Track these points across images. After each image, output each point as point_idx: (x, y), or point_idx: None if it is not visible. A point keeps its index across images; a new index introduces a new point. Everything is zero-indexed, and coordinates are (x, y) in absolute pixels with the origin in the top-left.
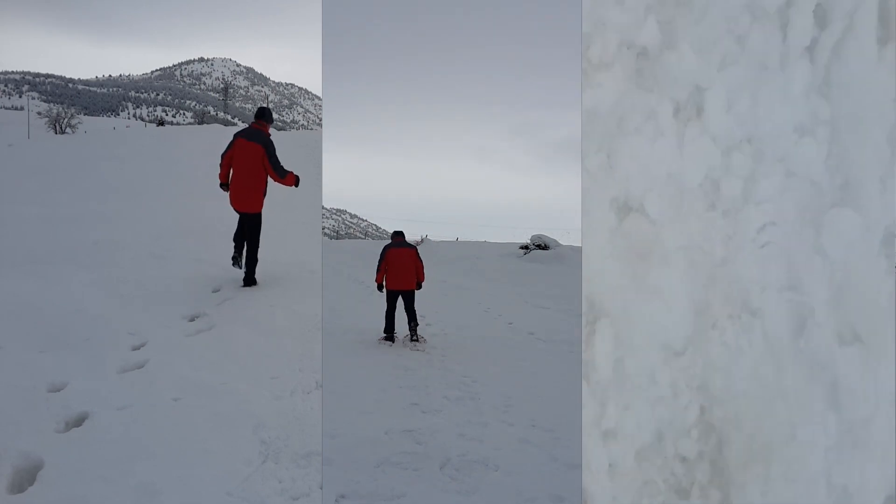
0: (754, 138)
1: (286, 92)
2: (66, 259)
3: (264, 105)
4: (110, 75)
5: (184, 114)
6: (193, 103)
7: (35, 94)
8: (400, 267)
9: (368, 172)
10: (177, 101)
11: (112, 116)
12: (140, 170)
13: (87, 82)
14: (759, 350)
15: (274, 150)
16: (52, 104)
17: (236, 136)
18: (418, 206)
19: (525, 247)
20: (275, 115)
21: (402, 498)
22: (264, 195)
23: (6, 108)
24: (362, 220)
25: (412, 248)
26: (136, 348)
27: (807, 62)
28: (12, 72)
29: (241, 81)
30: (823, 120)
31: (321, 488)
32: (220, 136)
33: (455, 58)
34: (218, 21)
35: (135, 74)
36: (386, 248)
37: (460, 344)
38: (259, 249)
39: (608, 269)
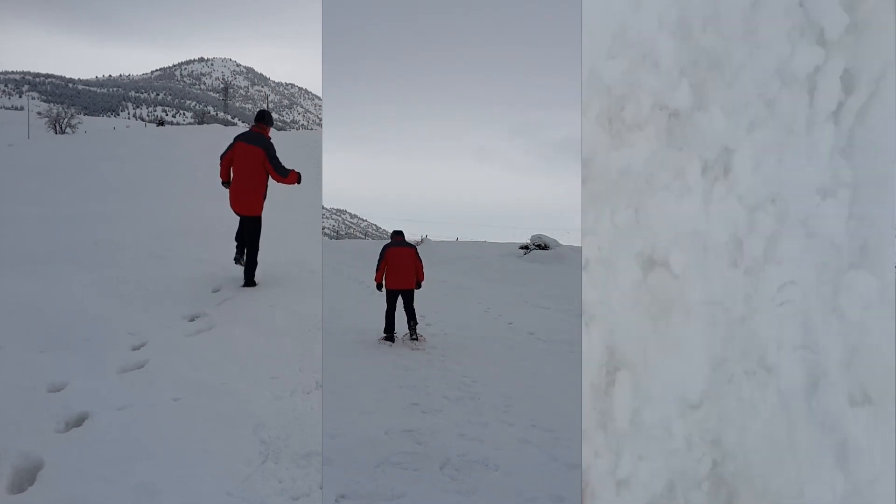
0: (778, 198)
1: (286, 92)
2: (66, 259)
3: (264, 105)
4: (110, 75)
5: (184, 114)
6: (193, 103)
7: (35, 94)
8: (400, 266)
9: (368, 172)
10: (177, 101)
11: (112, 116)
12: (140, 170)
13: (87, 82)
14: (772, 407)
15: (274, 151)
16: (52, 104)
17: (236, 139)
18: (418, 206)
19: (525, 247)
20: (275, 115)
21: (402, 498)
22: (264, 198)
23: (6, 108)
24: (362, 220)
25: (412, 248)
26: (136, 348)
27: (832, 126)
28: (12, 72)
29: (241, 81)
30: (845, 182)
31: (321, 488)
32: (220, 136)
33: (455, 58)
34: (218, 21)
35: (135, 74)
36: (385, 247)
37: (460, 344)
38: (259, 253)
39: (630, 321)
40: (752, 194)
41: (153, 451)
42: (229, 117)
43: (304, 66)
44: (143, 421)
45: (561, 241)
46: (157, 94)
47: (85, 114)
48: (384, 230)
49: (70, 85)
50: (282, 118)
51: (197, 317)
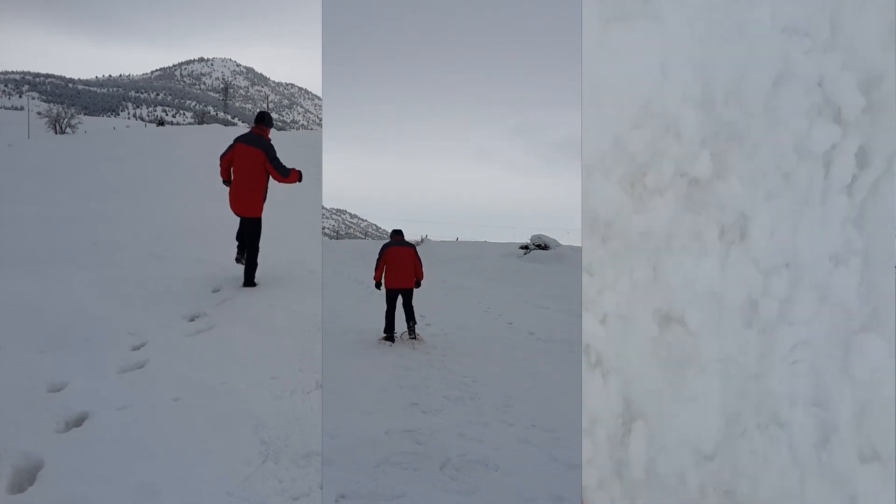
0: (793, 264)
1: (286, 92)
2: (66, 259)
3: (264, 105)
4: (110, 75)
5: (184, 114)
6: (193, 103)
7: (35, 94)
8: (399, 266)
9: (368, 172)
10: (177, 101)
11: (112, 116)
12: (140, 170)
13: (87, 82)
14: (784, 460)
15: (274, 152)
16: (52, 104)
17: (236, 140)
18: (418, 206)
19: (525, 247)
20: (275, 115)
21: (402, 498)
22: (264, 200)
23: (6, 108)
24: (362, 220)
25: (411, 247)
26: (136, 348)
27: (845, 197)
28: (12, 72)
29: (241, 81)
30: (857, 250)
31: (321, 488)
32: (220, 136)
33: (455, 58)
34: (218, 21)
35: (135, 74)
36: (385, 246)
37: (460, 344)
38: (258, 254)
39: (647, 374)
40: (768, 259)
41: (153, 451)
42: (229, 117)
43: (304, 66)
44: (143, 421)
45: (561, 241)
46: (157, 94)
47: (85, 114)
48: (384, 230)
49: (70, 85)
50: (282, 118)
51: (197, 317)
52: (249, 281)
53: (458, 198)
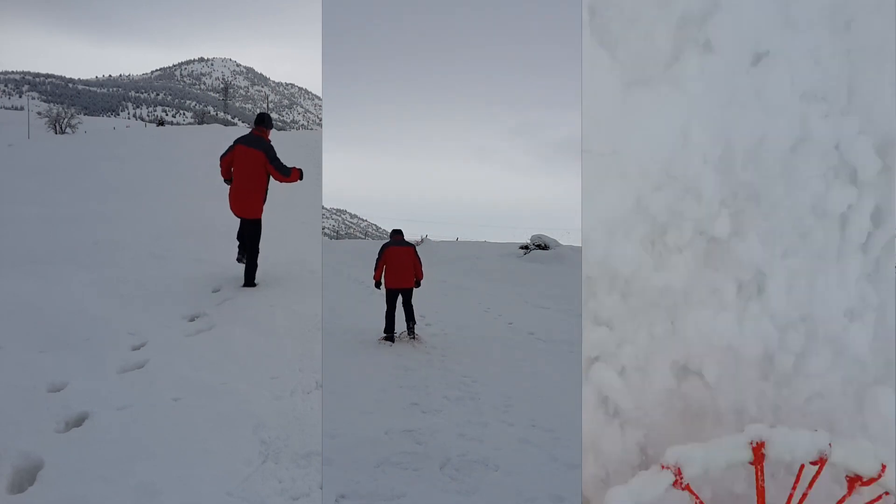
0: (808, 319)
1: (286, 92)
2: (66, 259)
3: (264, 105)
4: (110, 75)
5: (184, 114)
6: (193, 103)
7: (35, 94)
8: (398, 265)
9: (368, 172)
10: (177, 101)
11: (112, 116)
12: (140, 170)
13: (87, 82)
14: None
15: (275, 153)
16: (52, 104)
17: (236, 142)
18: (418, 206)
19: (525, 247)
20: (275, 116)
21: (402, 498)
22: (264, 201)
23: (6, 108)
24: (362, 220)
25: (411, 247)
26: (136, 348)
27: (860, 255)
28: (12, 72)
29: (241, 81)
30: (871, 305)
31: (321, 488)
32: (220, 136)
33: (455, 58)
34: (218, 21)
35: (135, 74)
36: (384, 246)
37: (460, 344)
38: (258, 256)
39: (664, 424)
40: (784, 314)
41: (153, 451)
42: (229, 117)
43: (304, 66)
44: (143, 421)
45: (561, 241)
46: (157, 94)
47: (85, 114)
48: (384, 230)
49: (70, 85)
50: (282, 118)
51: (197, 317)
52: (250, 281)
53: (458, 198)
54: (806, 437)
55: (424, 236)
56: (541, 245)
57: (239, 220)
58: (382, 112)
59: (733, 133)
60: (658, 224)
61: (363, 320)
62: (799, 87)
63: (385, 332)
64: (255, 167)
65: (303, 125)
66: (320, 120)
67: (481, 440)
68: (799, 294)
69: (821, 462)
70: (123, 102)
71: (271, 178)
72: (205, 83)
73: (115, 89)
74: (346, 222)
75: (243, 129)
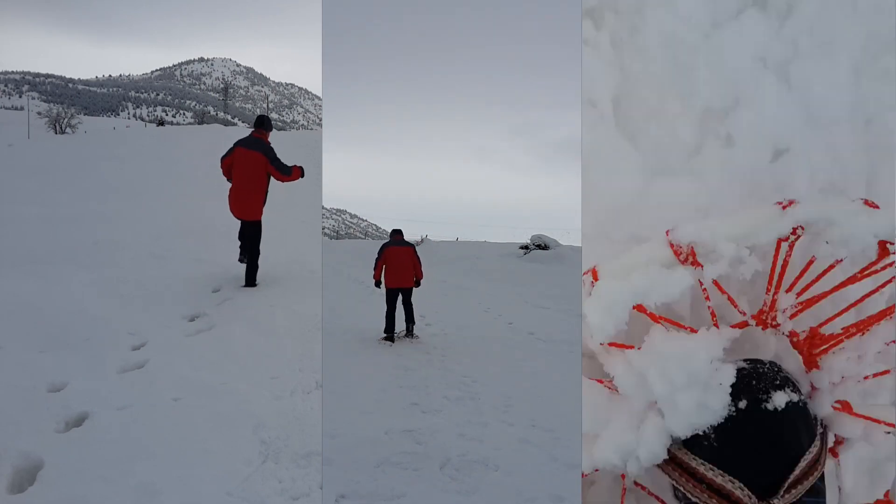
0: None
1: (286, 92)
2: (66, 259)
3: (264, 105)
4: (110, 75)
5: (184, 114)
6: (193, 103)
7: (35, 94)
8: (398, 265)
9: (368, 172)
10: (177, 101)
11: (112, 116)
12: (140, 170)
13: (87, 82)
14: None
15: (275, 154)
16: (52, 104)
17: (236, 144)
18: (418, 206)
19: (525, 247)
20: (275, 116)
21: (402, 498)
22: (264, 203)
23: (6, 108)
24: (362, 220)
25: (410, 247)
26: (136, 348)
27: None
28: (12, 72)
29: (241, 81)
30: None
31: (321, 488)
32: (220, 136)
33: (455, 58)
34: (218, 21)
35: (135, 74)
36: (384, 245)
37: (460, 344)
38: (259, 257)
39: None
40: None
41: (153, 451)
42: (229, 117)
43: (304, 66)
44: (143, 421)
45: (561, 241)
46: (157, 94)
47: (85, 114)
48: (384, 230)
49: (70, 85)
50: (282, 118)
51: (197, 317)
52: (250, 281)
53: (458, 198)
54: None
55: (424, 236)
56: (541, 245)
57: (239, 221)
58: (382, 112)
59: None
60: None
61: (363, 320)
62: (818, 181)
63: (385, 332)
64: (255, 169)
65: (303, 125)
66: (320, 120)
67: (481, 440)
68: None
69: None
70: (123, 102)
71: (271, 178)
72: (205, 83)
73: (115, 89)
74: (346, 222)
75: (243, 129)
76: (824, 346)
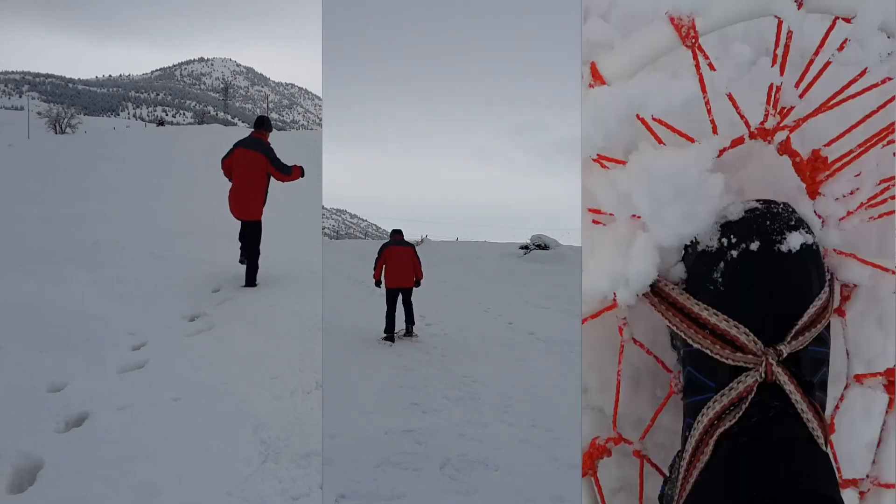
0: None
1: (286, 92)
2: (66, 259)
3: (264, 105)
4: (110, 75)
5: (184, 114)
6: (193, 103)
7: (35, 94)
8: (398, 265)
9: (368, 172)
10: (177, 101)
11: (112, 116)
12: (140, 170)
13: (87, 82)
14: None
15: (275, 154)
16: (52, 104)
17: (236, 145)
18: (418, 206)
19: (525, 247)
20: (275, 116)
21: (402, 498)
22: (264, 203)
23: (6, 108)
24: (362, 220)
25: (410, 247)
26: (136, 348)
27: None
28: (12, 72)
29: (241, 81)
30: None
31: (321, 488)
32: (220, 136)
33: (455, 58)
34: (218, 21)
35: (135, 74)
36: (384, 245)
37: (460, 344)
38: (259, 258)
39: None
40: None
41: (153, 451)
42: (229, 117)
43: (304, 66)
44: (143, 421)
45: (561, 241)
46: (157, 94)
47: (85, 114)
48: (384, 230)
49: (70, 85)
50: (282, 118)
51: (197, 317)
52: (251, 282)
53: (458, 198)
54: None
55: (424, 236)
56: (541, 245)
57: (239, 221)
58: (382, 112)
59: None
60: None
61: (363, 320)
62: None
63: (385, 331)
64: (255, 170)
65: (303, 125)
66: (320, 120)
67: (481, 440)
68: None
69: None
70: (123, 102)
71: (271, 179)
72: (205, 83)
73: (115, 89)
74: (346, 222)
75: (243, 129)
76: (827, 172)
